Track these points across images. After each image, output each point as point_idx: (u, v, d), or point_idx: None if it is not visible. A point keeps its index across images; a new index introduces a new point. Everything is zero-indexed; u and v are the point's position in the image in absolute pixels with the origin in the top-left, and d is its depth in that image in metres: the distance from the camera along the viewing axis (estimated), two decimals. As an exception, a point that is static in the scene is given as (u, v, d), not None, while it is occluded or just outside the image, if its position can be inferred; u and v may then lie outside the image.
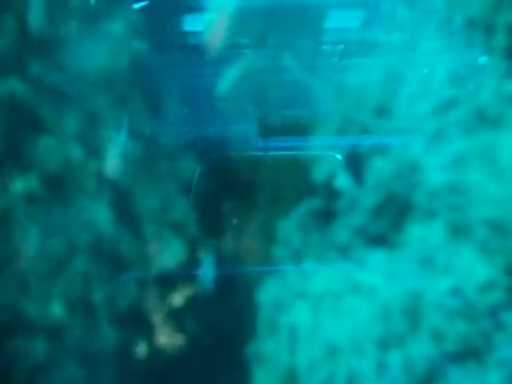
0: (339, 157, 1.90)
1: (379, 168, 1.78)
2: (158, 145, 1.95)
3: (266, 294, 1.71)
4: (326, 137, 1.92)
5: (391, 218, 1.76)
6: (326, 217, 1.78)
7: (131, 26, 1.83)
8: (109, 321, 1.79)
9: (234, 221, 1.83)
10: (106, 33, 1.84)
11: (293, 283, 1.73)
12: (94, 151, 1.82)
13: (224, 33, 1.81)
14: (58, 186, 1.80)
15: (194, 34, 1.82)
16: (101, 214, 1.79)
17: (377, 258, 1.72)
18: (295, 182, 1.90)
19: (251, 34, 1.82)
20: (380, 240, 1.75)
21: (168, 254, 1.85)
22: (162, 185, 1.90)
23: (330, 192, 1.78)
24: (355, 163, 1.90)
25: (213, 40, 1.81)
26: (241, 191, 1.88)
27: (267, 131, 1.92)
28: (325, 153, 1.92)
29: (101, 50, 1.81)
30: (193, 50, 1.84)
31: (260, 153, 1.92)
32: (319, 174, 1.80)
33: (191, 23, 1.82)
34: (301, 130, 1.92)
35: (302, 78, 1.89)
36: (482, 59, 1.68)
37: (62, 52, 1.79)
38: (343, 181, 1.78)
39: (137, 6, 1.70)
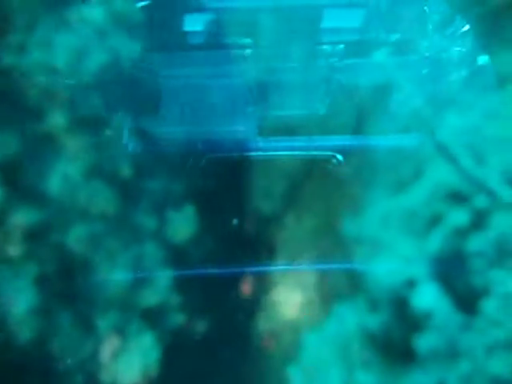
0: (339, 157, 1.90)
1: None
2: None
3: None
4: (325, 137, 1.92)
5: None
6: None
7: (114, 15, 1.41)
8: None
9: (234, 221, 1.83)
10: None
11: None
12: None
13: (224, 33, 1.81)
14: None
15: (194, 34, 1.82)
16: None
17: None
18: (295, 182, 1.90)
19: (251, 33, 1.81)
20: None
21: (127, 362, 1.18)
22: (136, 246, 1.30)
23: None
24: None
25: (213, 40, 1.81)
26: (240, 191, 1.88)
27: (267, 131, 1.92)
28: (325, 153, 1.92)
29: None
30: (193, 50, 1.84)
31: (260, 153, 1.91)
32: None
33: (191, 23, 1.82)
34: (301, 130, 1.92)
35: (301, 77, 1.88)
36: (483, 59, 1.68)
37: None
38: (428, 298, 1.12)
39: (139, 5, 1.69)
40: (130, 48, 1.43)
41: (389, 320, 1.22)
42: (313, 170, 1.86)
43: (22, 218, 1.25)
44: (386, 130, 1.81)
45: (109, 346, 1.24)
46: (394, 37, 1.79)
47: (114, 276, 1.33)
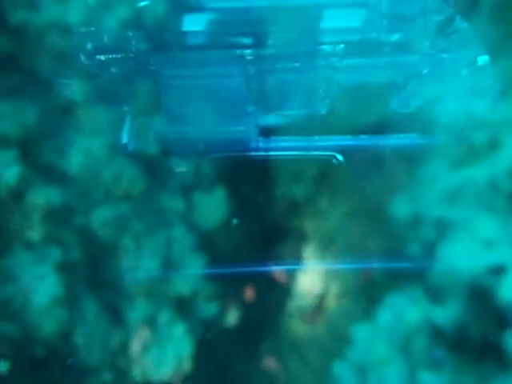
0: (339, 157, 1.90)
1: None
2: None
3: None
4: (325, 137, 1.92)
5: None
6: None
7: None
8: None
9: (235, 220, 1.83)
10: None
11: None
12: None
13: (224, 33, 1.81)
14: None
15: (194, 34, 1.82)
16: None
17: None
18: (295, 182, 1.90)
19: (251, 33, 1.81)
20: None
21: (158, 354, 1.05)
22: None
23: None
24: None
25: (213, 40, 1.81)
26: (241, 191, 1.88)
27: (267, 131, 1.92)
28: (325, 153, 1.92)
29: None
30: (193, 50, 1.84)
31: (260, 153, 1.92)
32: None
33: (191, 23, 1.81)
34: (301, 130, 1.92)
35: (301, 77, 1.89)
36: (483, 59, 1.69)
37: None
38: None
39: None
40: (154, 5, 1.25)
41: (462, 313, 1.01)
42: (313, 170, 1.86)
43: (41, 197, 1.11)
44: (386, 130, 1.82)
45: (138, 338, 1.11)
46: (394, 37, 1.79)
47: (143, 262, 1.21)
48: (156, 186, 1.34)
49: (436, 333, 1.08)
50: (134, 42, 1.73)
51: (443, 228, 1.19)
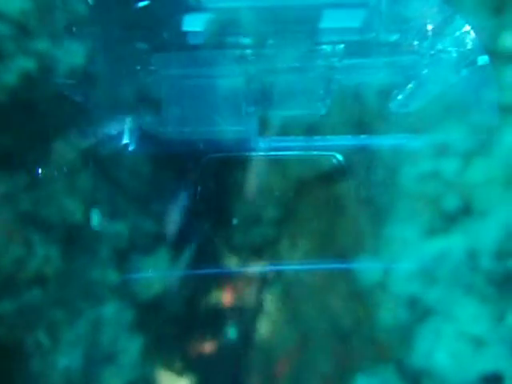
0: (339, 157, 1.90)
1: None
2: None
3: None
4: (325, 137, 1.92)
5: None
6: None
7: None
8: None
9: (235, 220, 1.83)
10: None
11: None
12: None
13: (224, 33, 1.81)
14: None
15: (194, 34, 1.82)
16: None
17: None
18: (295, 182, 1.90)
19: (251, 34, 1.81)
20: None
21: None
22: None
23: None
24: None
25: (213, 40, 1.81)
26: (241, 191, 1.88)
27: (267, 131, 1.93)
28: (325, 153, 1.92)
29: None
30: (193, 50, 1.84)
31: (260, 153, 1.92)
32: None
33: (191, 23, 1.81)
34: (301, 130, 1.92)
35: (301, 77, 1.89)
36: (483, 59, 1.69)
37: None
38: None
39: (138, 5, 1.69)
40: (68, 52, 1.06)
41: None
42: (313, 170, 1.86)
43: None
44: (386, 130, 1.82)
45: None
46: (394, 37, 1.79)
47: (60, 359, 0.97)
48: (80, 258, 1.11)
49: None
50: (134, 42, 1.73)
51: (419, 311, 1.02)
